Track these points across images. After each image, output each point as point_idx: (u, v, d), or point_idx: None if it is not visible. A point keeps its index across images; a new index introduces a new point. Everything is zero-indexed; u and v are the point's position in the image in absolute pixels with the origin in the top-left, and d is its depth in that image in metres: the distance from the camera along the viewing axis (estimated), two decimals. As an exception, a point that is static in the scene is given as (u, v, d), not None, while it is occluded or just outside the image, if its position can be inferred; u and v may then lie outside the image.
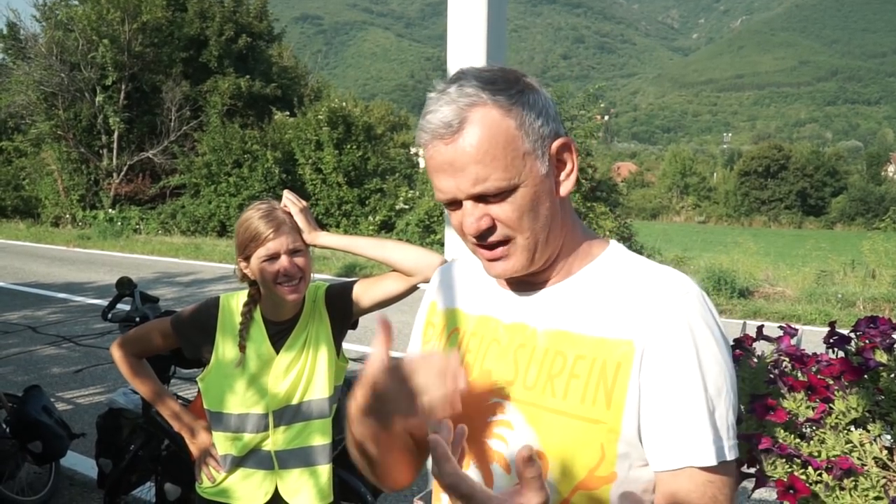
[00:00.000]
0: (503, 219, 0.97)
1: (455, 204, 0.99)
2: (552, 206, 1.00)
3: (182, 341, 2.00)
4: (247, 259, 1.87)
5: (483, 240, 0.98)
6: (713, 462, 0.90)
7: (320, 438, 1.94)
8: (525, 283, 1.06)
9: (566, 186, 1.02)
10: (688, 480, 0.91)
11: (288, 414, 1.92)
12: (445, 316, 1.18)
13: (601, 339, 0.96)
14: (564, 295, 1.03)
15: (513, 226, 0.97)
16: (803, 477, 1.11)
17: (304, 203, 1.94)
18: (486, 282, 1.13)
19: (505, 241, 0.98)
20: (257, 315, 1.94)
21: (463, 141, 0.94)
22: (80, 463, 4.20)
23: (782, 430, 1.18)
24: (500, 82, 0.97)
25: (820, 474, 1.13)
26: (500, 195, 0.96)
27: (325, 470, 1.95)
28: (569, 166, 1.02)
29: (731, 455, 0.92)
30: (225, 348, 1.93)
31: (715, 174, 62.14)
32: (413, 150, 25.48)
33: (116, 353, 2.06)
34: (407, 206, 18.52)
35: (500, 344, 1.06)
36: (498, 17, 2.03)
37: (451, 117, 0.94)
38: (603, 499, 0.95)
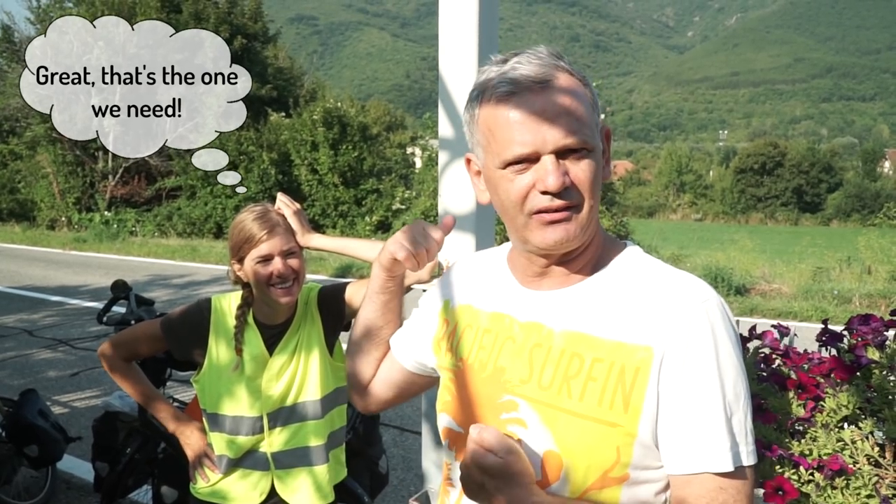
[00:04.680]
0: (580, 179, 0.97)
1: (527, 162, 0.97)
2: (601, 187, 1.02)
3: (172, 343, 1.99)
4: (240, 261, 1.87)
5: (556, 199, 0.97)
6: (729, 468, 0.91)
7: (316, 439, 1.94)
8: (545, 281, 1.07)
9: (607, 172, 1.05)
10: (699, 486, 0.92)
11: (282, 416, 1.92)
12: (458, 313, 1.19)
13: (619, 343, 0.97)
14: (581, 296, 1.03)
15: (586, 189, 0.98)
16: (794, 478, 1.11)
17: (298, 205, 1.94)
18: (499, 279, 1.15)
19: (571, 207, 0.98)
20: (251, 319, 1.94)
21: (555, 93, 0.96)
22: (77, 466, 4.19)
23: (773, 431, 1.18)
24: (567, 61, 1.01)
25: (811, 474, 1.13)
26: (581, 153, 0.97)
27: (322, 470, 1.95)
28: (606, 154, 1.05)
29: (748, 460, 0.93)
30: (219, 350, 1.93)
31: (711, 172, 62.29)
32: (410, 150, 25.42)
33: (104, 357, 2.06)
34: (403, 207, 18.50)
35: (514, 342, 1.07)
36: (490, 18, 2.03)
37: (542, 73, 0.96)
38: (613, 498, 0.96)
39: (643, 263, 1.05)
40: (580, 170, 0.97)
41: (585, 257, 1.05)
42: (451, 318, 1.20)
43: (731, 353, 0.94)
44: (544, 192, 0.96)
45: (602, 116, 1.04)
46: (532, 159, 0.97)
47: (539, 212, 0.98)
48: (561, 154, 0.96)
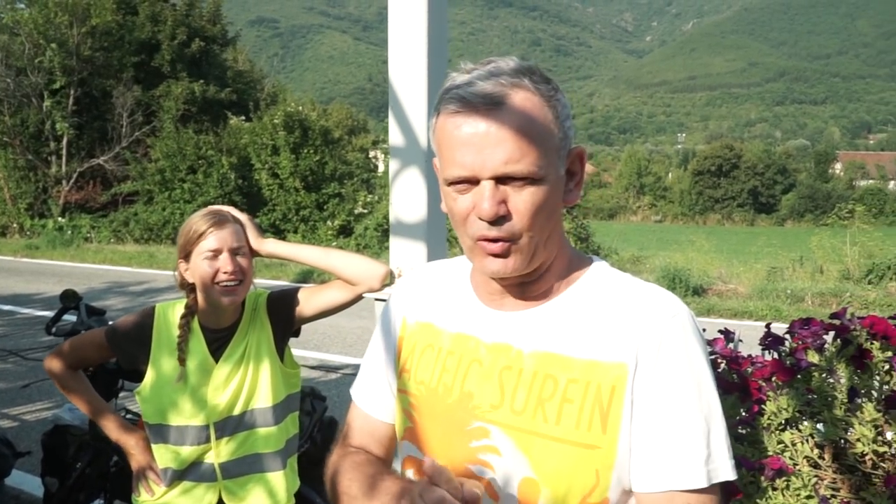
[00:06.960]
0: (519, 210, 0.92)
1: (468, 184, 0.93)
2: (557, 212, 0.98)
3: (117, 353, 1.95)
4: (187, 258, 1.83)
5: (493, 227, 0.93)
6: (703, 484, 0.89)
7: (266, 446, 1.90)
8: (508, 300, 1.03)
9: (573, 196, 1.01)
10: (666, 502, 0.89)
11: (230, 425, 1.88)
12: (417, 331, 1.12)
13: (593, 362, 0.93)
14: (550, 315, 1.00)
15: (524, 221, 0.93)
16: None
17: (248, 215, 1.94)
18: (461, 296, 1.09)
19: (509, 239, 0.94)
20: (195, 325, 1.90)
21: (504, 115, 0.90)
22: (27, 482, 4.06)
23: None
24: (538, 74, 0.95)
25: (753, 475, 1.15)
26: (524, 182, 0.91)
27: (276, 476, 1.91)
28: (577, 177, 1.01)
29: (726, 476, 0.91)
30: (161, 360, 1.88)
31: (670, 174, 63.30)
32: (373, 154, 25.32)
33: (50, 366, 2.00)
34: (366, 211, 18.43)
35: (482, 365, 1.01)
36: (439, 28, 2.04)
37: (494, 91, 0.91)
38: None
39: (610, 279, 1.01)
40: (521, 199, 0.92)
41: (548, 278, 1.01)
42: (410, 338, 1.12)
43: (704, 367, 0.93)
44: (481, 219, 0.93)
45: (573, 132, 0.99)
46: (472, 182, 0.93)
47: (480, 239, 0.95)
48: (502, 180, 0.91)
